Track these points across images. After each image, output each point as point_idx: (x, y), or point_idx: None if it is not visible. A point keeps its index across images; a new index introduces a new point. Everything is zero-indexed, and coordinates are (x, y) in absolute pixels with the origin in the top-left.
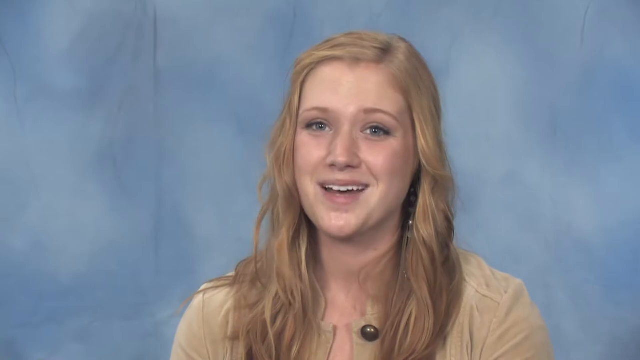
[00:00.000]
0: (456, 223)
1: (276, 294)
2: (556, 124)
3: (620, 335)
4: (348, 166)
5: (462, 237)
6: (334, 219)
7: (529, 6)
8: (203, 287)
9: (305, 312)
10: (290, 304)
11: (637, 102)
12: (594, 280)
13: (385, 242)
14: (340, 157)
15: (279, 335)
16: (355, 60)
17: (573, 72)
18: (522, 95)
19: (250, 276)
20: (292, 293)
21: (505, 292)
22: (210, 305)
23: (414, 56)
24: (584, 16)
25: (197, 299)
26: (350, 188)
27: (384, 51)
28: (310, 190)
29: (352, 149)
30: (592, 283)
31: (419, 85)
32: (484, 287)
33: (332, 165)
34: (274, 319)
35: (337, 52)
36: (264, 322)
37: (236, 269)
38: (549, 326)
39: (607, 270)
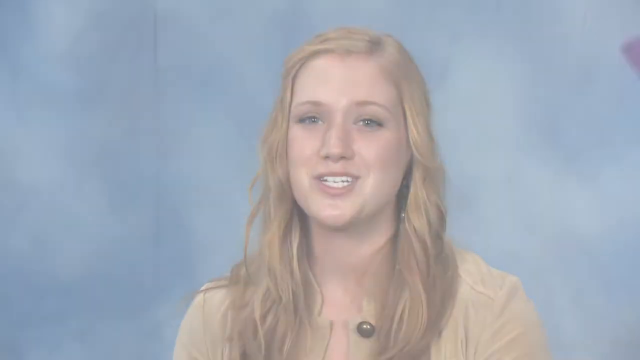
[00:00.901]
0: (456, 223)
1: (266, 291)
2: (556, 124)
3: (620, 335)
4: (342, 157)
5: (462, 237)
6: (329, 209)
7: (529, 6)
8: (204, 286)
9: (296, 308)
10: (280, 299)
11: (637, 102)
12: (594, 280)
13: (380, 236)
14: (334, 149)
15: (271, 334)
16: (347, 52)
17: (573, 72)
18: (522, 95)
19: (242, 278)
20: (282, 289)
21: (501, 289)
22: (210, 304)
23: (403, 50)
24: (584, 16)
25: (198, 298)
26: (344, 179)
27: (375, 44)
28: (305, 182)
29: (346, 140)
30: (592, 283)
31: (409, 77)
32: (479, 284)
33: (327, 158)
34: (264, 317)
35: (328, 45)
36: (255, 322)
37: (231, 271)
38: (549, 326)
39: (607, 270)
